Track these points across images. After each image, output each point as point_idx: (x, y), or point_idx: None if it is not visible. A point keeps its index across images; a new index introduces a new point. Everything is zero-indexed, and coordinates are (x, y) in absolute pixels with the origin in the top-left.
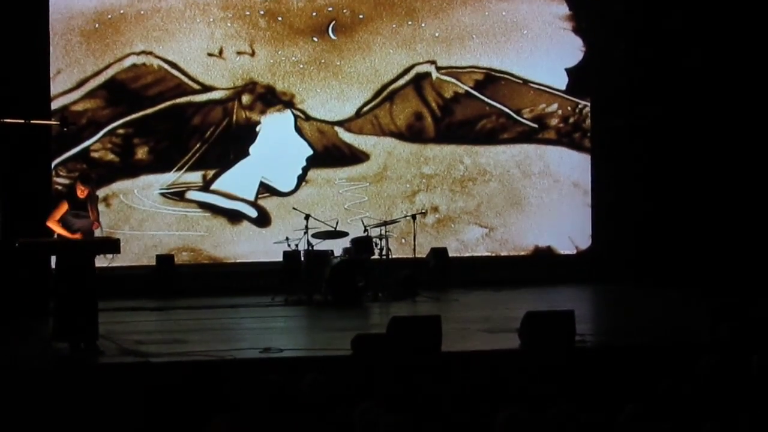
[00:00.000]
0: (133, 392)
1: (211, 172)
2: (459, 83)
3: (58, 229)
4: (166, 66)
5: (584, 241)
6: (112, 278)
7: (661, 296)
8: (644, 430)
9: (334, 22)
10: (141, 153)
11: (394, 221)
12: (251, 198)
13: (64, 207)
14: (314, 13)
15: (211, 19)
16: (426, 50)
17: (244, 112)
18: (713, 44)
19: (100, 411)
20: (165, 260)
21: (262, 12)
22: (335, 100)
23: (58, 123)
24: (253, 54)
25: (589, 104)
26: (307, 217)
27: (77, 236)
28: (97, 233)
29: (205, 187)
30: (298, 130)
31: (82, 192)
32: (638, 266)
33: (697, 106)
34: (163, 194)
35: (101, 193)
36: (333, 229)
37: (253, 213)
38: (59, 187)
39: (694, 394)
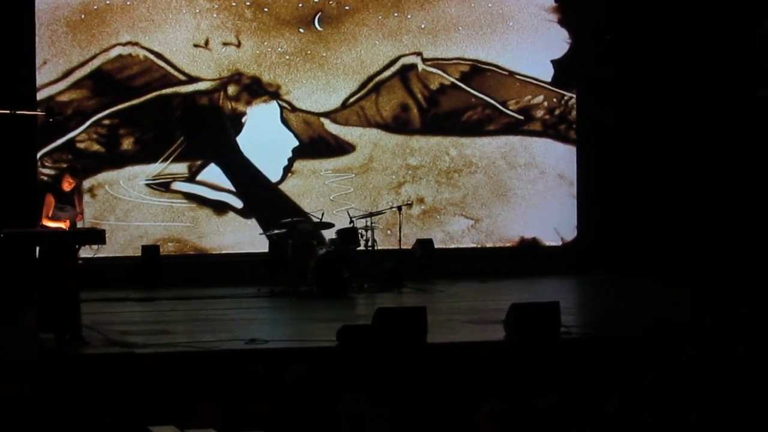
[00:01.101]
0: (118, 383)
1: (196, 163)
2: (445, 75)
3: (52, 224)
4: (152, 57)
5: (570, 233)
6: (97, 269)
7: (647, 288)
8: (629, 421)
9: (320, 13)
10: (127, 143)
11: (379, 212)
12: (236, 189)
13: (52, 201)
14: (300, 5)
15: (197, 10)
16: (412, 42)
17: (230, 103)
18: (698, 35)
19: (84, 402)
20: (150, 251)
21: (248, 3)
22: (321, 91)
23: (44, 113)
24: (239, 45)
25: (574, 96)
26: None
27: (66, 223)
28: (79, 225)
29: (191, 177)
30: (284, 121)
31: (69, 184)
32: (623, 258)
33: (682, 98)
34: (148, 185)
35: (87, 183)
36: (319, 220)
37: (238, 204)
38: (44, 178)
39: (679, 386)
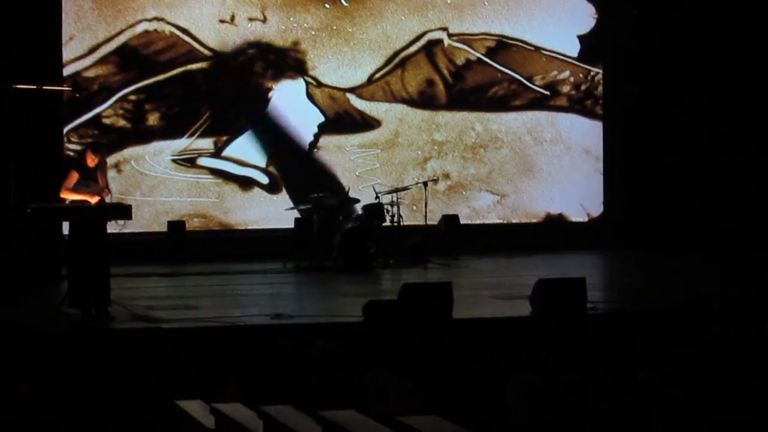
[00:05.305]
0: (145, 358)
1: (222, 139)
2: (471, 50)
3: (73, 196)
4: (177, 32)
5: (596, 208)
6: (123, 244)
7: (673, 263)
8: (655, 396)
9: None
10: (152, 119)
11: (405, 188)
12: (262, 164)
13: (75, 176)
14: None
15: None
16: (438, 17)
17: (256, 79)
18: (726, 9)
19: (111, 376)
20: (176, 226)
21: None
22: (347, 66)
23: (70, 89)
24: (264, 20)
25: (601, 71)
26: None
27: (95, 197)
28: (107, 200)
29: (217, 153)
30: (310, 96)
31: (92, 160)
32: (650, 233)
33: (709, 72)
34: (174, 160)
35: (113, 159)
36: (345, 195)
37: (264, 179)
38: (71, 153)
39: (706, 361)
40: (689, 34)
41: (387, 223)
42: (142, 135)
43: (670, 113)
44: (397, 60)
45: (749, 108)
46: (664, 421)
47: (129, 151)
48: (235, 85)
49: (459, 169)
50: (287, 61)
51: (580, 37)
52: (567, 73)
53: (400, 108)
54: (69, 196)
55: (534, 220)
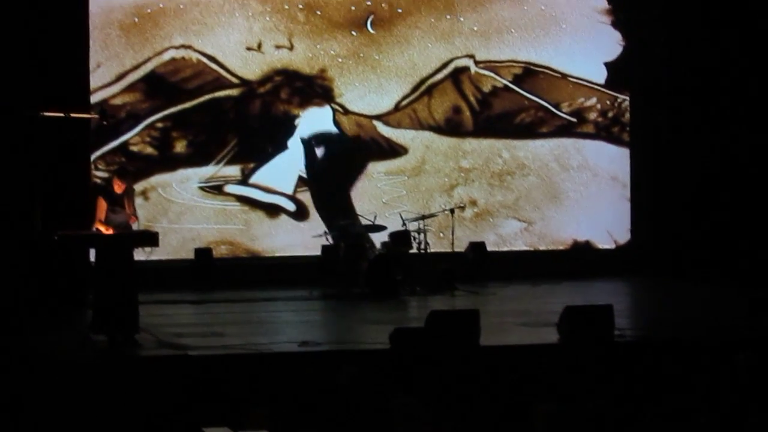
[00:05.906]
0: (172, 385)
1: (249, 166)
2: (497, 77)
3: (107, 230)
4: (204, 60)
5: (623, 236)
6: (150, 271)
7: (701, 290)
8: (683, 424)
9: (372, 15)
10: (179, 146)
11: (432, 215)
12: (289, 191)
13: (104, 204)
14: (353, 7)
15: (250, 13)
16: (464, 44)
17: (283, 106)
18: (754, 35)
19: (138, 403)
20: (203, 253)
21: (300, 6)
22: (373, 93)
23: (98, 116)
24: (291, 48)
25: (628, 98)
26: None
27: (109, 228)
28: (134, 227)
29: (244, 180)
30: (337, 123)
31: (119, 187)
32: (677, 260)
33: (737, 99)
34: (201, 187)
35: (140, 186)
36: (371, 222)
37: (291, 206)
38: (98, 181)
39: (733, 389)
40: (717, 60)
41: (414, 251)
42: (169, 162)
43: (698, 140)
44: (423, 87)
45: None
46: None
47: (156, 179)
48: (262, 112)
49: (486, 196)
50: (314, 89)
51: (607, 64)
52: (594, 100)
53: (427, 135)
54: (103, 229)
55: (561, 247)
